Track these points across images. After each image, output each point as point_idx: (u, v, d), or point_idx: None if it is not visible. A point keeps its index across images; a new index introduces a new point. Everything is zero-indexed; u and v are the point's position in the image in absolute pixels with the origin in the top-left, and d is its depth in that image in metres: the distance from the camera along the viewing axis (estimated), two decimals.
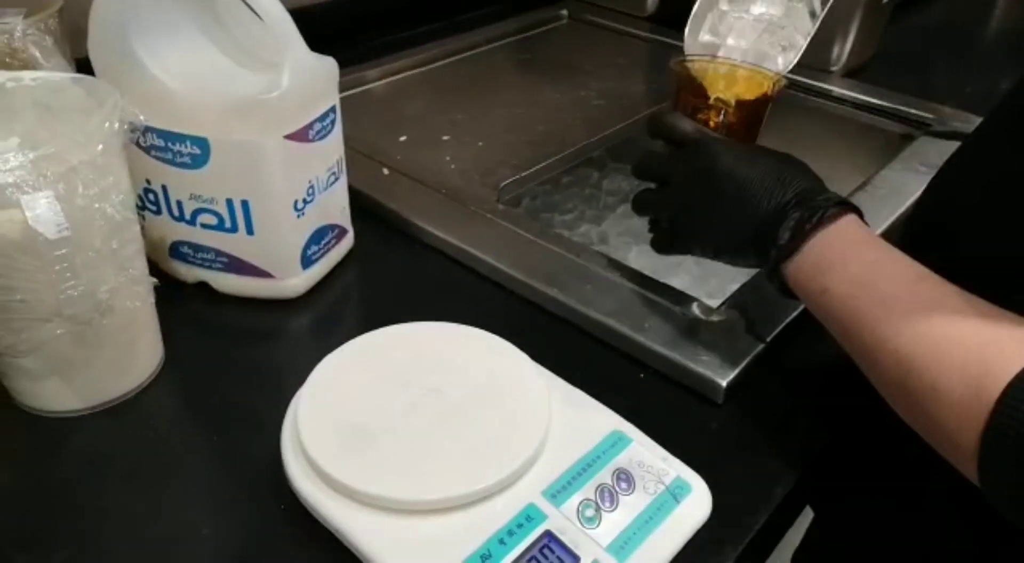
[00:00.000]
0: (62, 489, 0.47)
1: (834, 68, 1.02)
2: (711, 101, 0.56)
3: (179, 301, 0.60)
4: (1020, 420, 0.32)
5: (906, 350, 0.39)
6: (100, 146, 0.43)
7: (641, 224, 1.09)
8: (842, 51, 1.02)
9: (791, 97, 1.02)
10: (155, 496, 0.47)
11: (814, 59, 1.04)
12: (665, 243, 0.56)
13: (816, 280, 0.46)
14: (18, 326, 0.45)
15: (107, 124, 0.43)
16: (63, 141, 0.41)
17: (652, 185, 0.57)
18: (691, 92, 0.58)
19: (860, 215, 0.48)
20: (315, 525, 0.44)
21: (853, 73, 1.04)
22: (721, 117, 0.56)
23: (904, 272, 0.43)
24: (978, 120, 0.51)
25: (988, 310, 0.38)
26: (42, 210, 0.39)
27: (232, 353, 0.58)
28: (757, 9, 0.65)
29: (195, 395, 0.54)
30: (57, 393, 0.49)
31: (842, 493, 0.58)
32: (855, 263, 0.44)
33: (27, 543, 0.43)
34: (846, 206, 0.47)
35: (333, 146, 0.59)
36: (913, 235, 0.52)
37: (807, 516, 0.62)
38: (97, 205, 0.42)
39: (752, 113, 0.56)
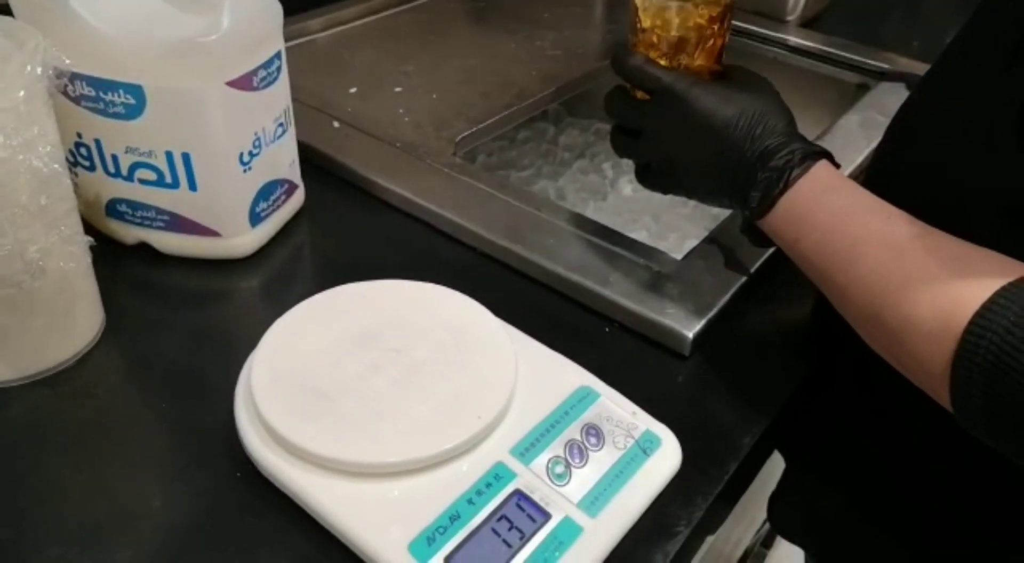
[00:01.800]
0: None
1: (789, 18, 1.01)
2: (654, 38, 0.53)
3: (119, 263, 0.57)
4: (986, 347, 0.34)
5: (878, 287, 0.40)
6: (21, 92, 0.39)
7: (598, 180, 1.07)
8: (797, 1, 1.01)
9: (745, 46, 1.01)
10: (100, 469, 0.44)
11: (770, 8, 1.03)
12: (647, 181, 0.56)
13: (789, 231, 0.47)
14: None
15: (28, 68, 0.39)
16: None
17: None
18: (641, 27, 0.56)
19: (830, 158, 0.48)
20: (274, 492, 0.42)
21: (808, 23, 1.03)
22: (677, 56, 0.53)
23: (873, 214, 0.43)
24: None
25: (954, 245, 0.39)
26: None
27: (178, 317, 0.55)
28: None
29: (140, 361, 0.51)
30: None
31: (812, 436, 0.58)
32: (824, 212, 0.45)
33: None
34: (815, 155, 0.47)
35: (280, 95, 0.56)
36: (876, 178, 0.52)
37: (778, 463, 0.62)
38: (21, 157, 0.39)
39: (702, 43, 0.54)
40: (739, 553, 1.01)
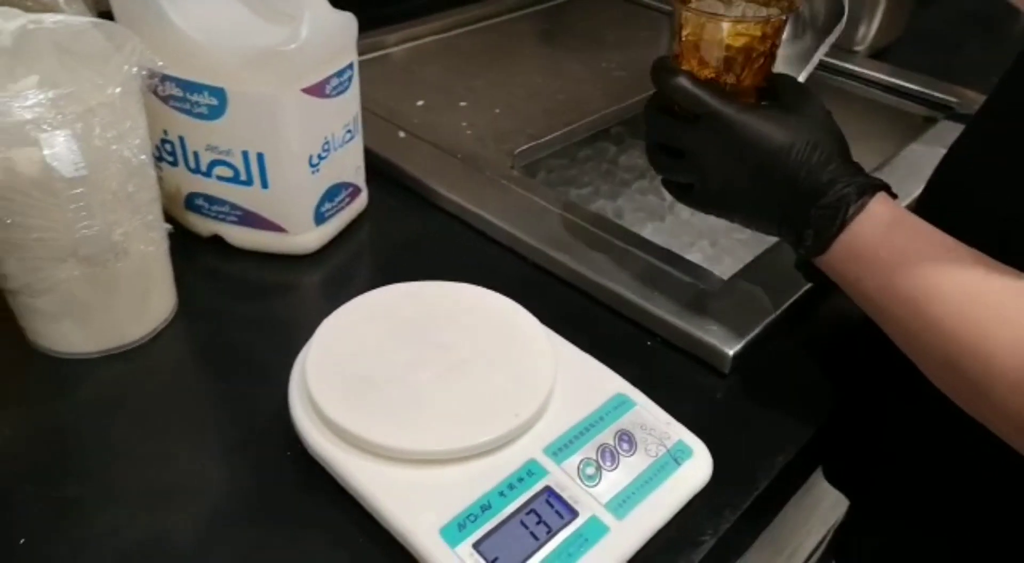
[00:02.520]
0: (73, 428, 0.47)
1: (858, 48, 1.01)
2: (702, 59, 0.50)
3: (193, 253, 0.61)
4: None
5: (955, 333, 0.39)
6: (118, 89, 0.43)
7: (657, 202, 1.08)
8: (868, 31, 1.00)
9: (813, 77, 1.00)
10: (163, 440, 0.47)
11: (839, 38, 1.03)
12: (689, 201, 0.54)
13: (849, 270, 0.45)
14: (34, 265, 0.45)
15: (125, 67, 0.43)
16: (82, 82, 0.42)
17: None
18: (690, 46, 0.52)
19: (888, 190, 0.47)
20: (320, 472, 0.44)
21: (878, 54, 1.03)
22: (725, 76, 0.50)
23: (940, 251, 0.42)
24: None
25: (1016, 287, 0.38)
26: (60, 148, 0.40)
27: (243, 306, 0.58)
28: None
29: (206, 345, 0.55)
30: (71, 335, 0.50)
31: (870, 472, 0.57)
32: (886, 250, 0.43)
33: (38, 477, 0.44)
34: (872, 188, 0.45)
35: (350, 103, 0.59)
36: (931, 199, 0.52)
37: (815, 496, 0.62)
38: (114, 147, 0.43)
39: (750, 62, 0.50)
40: None
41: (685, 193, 0.53)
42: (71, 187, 0.41)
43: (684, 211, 1.04)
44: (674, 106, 0.51)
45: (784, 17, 0.49)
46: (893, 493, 0.56)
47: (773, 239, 0.87)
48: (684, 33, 0.50)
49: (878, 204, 0.45)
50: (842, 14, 0.73)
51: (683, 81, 0.49)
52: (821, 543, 1.09)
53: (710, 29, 0.49)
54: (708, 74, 0.50)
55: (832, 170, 0.46)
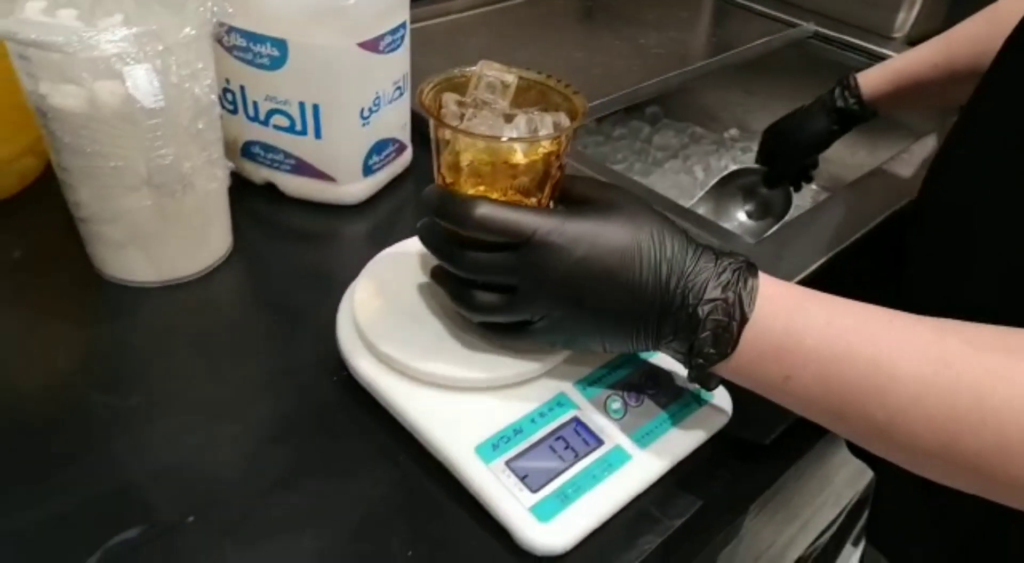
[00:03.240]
0: (136, 348, 0.51)
1: (897, 35, 1.02)
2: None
3: (247, 200, 0.64)
4: None
5: (940, 414, 0.33)
6: (193, 31, 0.46)
7: (689, 180, 1.10)
8: (907, 18, 1.01)
9: (847, 59, 1.02)
10: (217, 363, 0.51)
11: (876, 24, 1.04)
12: (533, 336, 0.44)
13: (771, 369, 0.38)
14: (107, 193, 0.49)
15: (200, 10, 0.47)
16: (161, 22, 0.45)
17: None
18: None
19: (752, 265, 0.40)
20: (363, 395, 0.48)
21: (916, 42, 1.04)
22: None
23: (872, 321, 0.37)
24: None
25: (999, 335, 0.34)
26: (141, 81, 0.43)
27: (293, 250, 0.62)
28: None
29: (258, 282, 0.58)
30: (135, 264, 0.54)
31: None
32: (811, 336, 0.37)
33: (106, 388, 0.48)
34: (748, 267, 0.39)
35: (401, 60, 0.62)
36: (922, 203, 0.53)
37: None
38: (187, 85, 0.46)
39: (549, 180, 0.43)
40: (792, 556, 1.02)
41: (520, 330, 0.44)
42: (149, 117, 0.44)
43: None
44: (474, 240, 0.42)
45: (573, 125, 0.42)
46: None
47: (802, 217, 0.88)
48: (463, 162, 0.42)
49: (767, 285, 0.39)
50: (790, 204, 0.83)
51: (485, 209, 0.40)
52: (835, 521, 1.11)
53: (499, 153, 0.41)
54: (501, 200, 0.42)
55: (695, 259, 0.39)
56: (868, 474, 0.94)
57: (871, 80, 0.72)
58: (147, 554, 0.39)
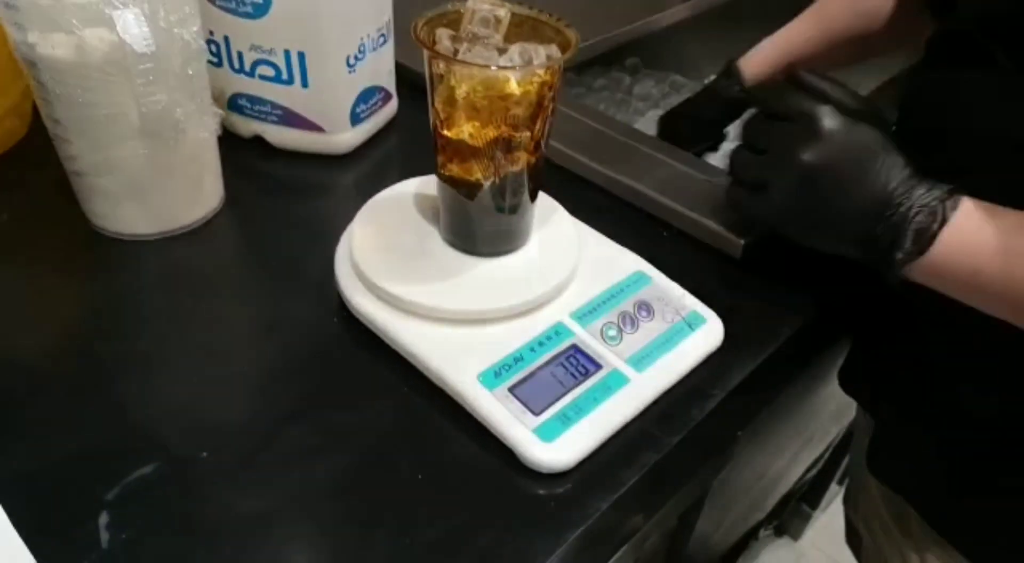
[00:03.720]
0: (138, 297, 0.52)
1: None
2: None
3: (236, 153, 0.64)
4: None
5: None
6: None
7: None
8: None
9: None
10: (221, 309, 0.52)
11: None
12: (756, 204, 0.52)
13: (963, 265, 0.44)
14: (101, 144, 0.49)
15: None
16: None
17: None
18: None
19: (961, 191, 0.46)
20: (365, 333, 0.49)
21: None
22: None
23: None
24: None
25: None
26: (131, 25, 0.43)
27: (285, 200, 0.62)
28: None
29: (253, 231, 0.59)
30: (131, 216, 0.54)
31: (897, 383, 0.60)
32: (1000, 234, 0.43)
33: (112, 335, 0.49)
34: (956, 190, 0.45)
35: (383, 5, 0.62)
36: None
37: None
38: (176, 30, 0.46)
39: (543, 112, 0.45)
40: (782, 490, 1.05)
41: (756, 194, 0.52)
42: (141, 62, 0.44)
43: None
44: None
45: (566, 56, 0.43)
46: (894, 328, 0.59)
47: None
48: (458, 94, 0.43)
49: (968, 201, 0.45)
50: None
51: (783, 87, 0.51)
52: (821, 457, 1.14)
53: (494, 84, 0.42)
54: (494, 135, 0.44)
55: (918, 178, 0.46)
56: (851, 412, 0.97)
57: (752, 66, 0.71)
58: (164, 488, 0.41)
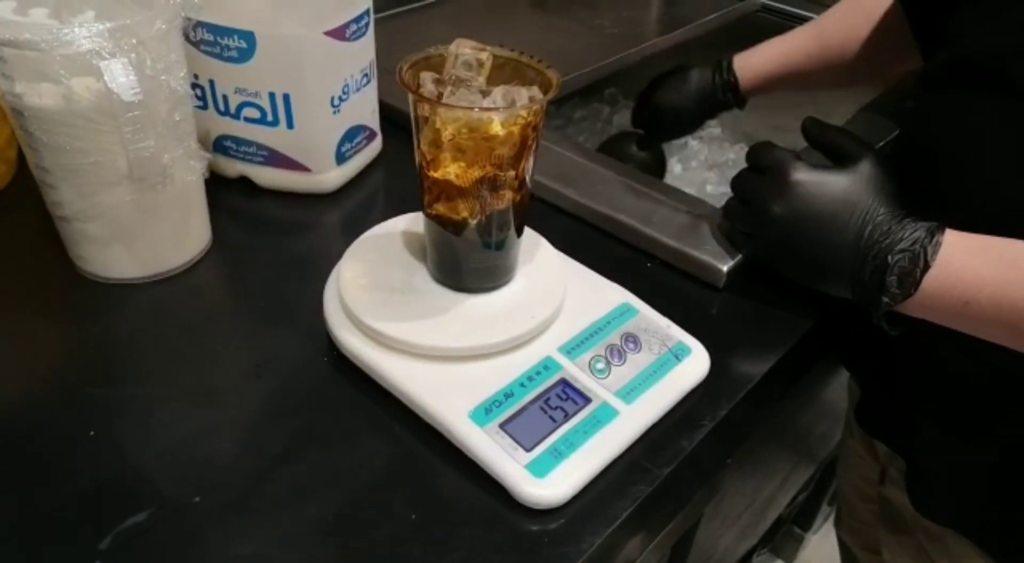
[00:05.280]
0: (128, 341, 0.52)
1: None
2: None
3: (222, 194, 0.65)
4: None
5: None
6: (164, 24, 0.47)
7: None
8: None
9: None
10: (209, 350, 0.52)
11: None
12: (747, 247, 0.58)
13: (953, 296, 0.45)
14: (88, 190, 0.50)
15: (170, 4, 0.47)
16: (133, 17, 0.46)
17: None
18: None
19: (942, 227, 0.47)
20: (355, 372, 0.49)
21: None
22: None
23: None
24: None
25: None
26: (119, 74, 0.44)
27: (272, 240, 0.63)
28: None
29: (241, 272, 0.59)
30: (119, 260, 0.54)
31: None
32: (987, 266, 0.44)
33: (101, 381, 0.49)
34: (939, 227, 0.47)
35: (366, 48, 0.64)
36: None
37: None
38: (163, 77, 0.47)
39: (527, 151, 0.45)
40: (772, 515, 1.05)
41: (748, 239, 0.57)
42: (128, 110, 0.45)
43: (676, 167, 1.09)
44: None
45: (548, 97, 0.44)
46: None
47: None
48: (444, 136, 0.44)
49: (951, 235, 0.46)
50: (664, 165, 0.87)
51: (758, 146, 0.55)
52: (811, 479, 1.14)
53: (479, 125, 0.43)
54: (479, 175, 0.45)
55: (897, 221, 0.48)
56: (837, 434, 0.97)
57: (747, 72, 0.73)
58: (158, 535, 0.40)
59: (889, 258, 0.47)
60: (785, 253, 0.54)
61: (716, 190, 1.03)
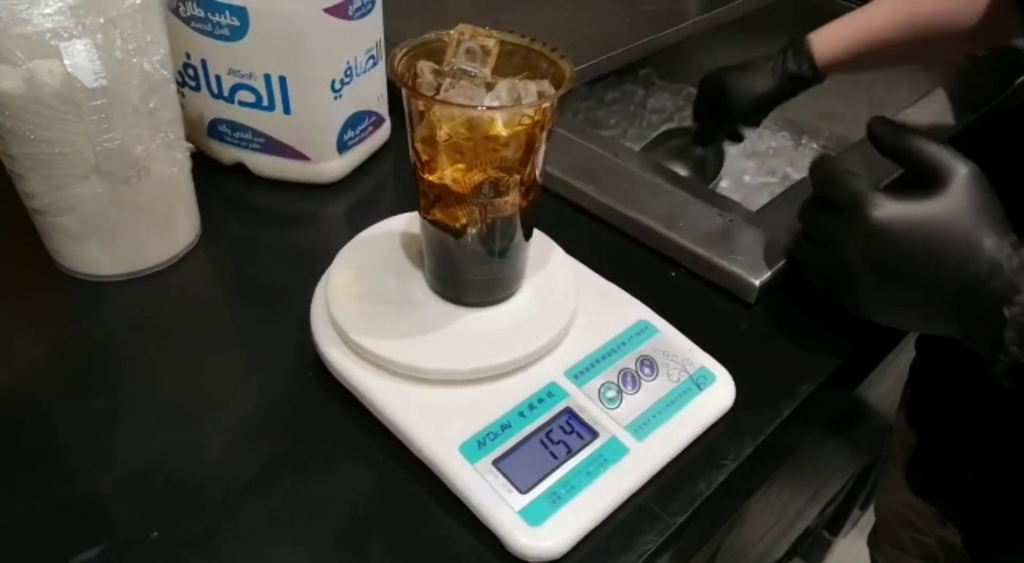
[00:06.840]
0: (101, 346, 0.48)
1: None
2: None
3: (216, 182, 0.60)
4: None
5: None
6: (138, 0, 0.42)
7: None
8: None
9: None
10: (188, 358, 0.48)
11: None
12: (825, 293, 0.50)
13: None
14: (58, 182, 0.46)
15: None
16: None
17: None
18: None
19: None
20: (340, 391, 0.45)
21: None
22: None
23: None
24: None
25: None
26: (80, 58, 0.39)
27: (267, 233, 0.58)
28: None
29: (229, 270, 0.55)
30: (96, 256, 0.50)
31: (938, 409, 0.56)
32: None
33: (68, 390, 0.45)
34: None
35: (373, 27, 0.58)
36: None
37: None
38: (135, 60, 0.42)
39: (534, 154, 0.40)
40: (799, 528, 1.00)
41: (821, 283, 0.50)
42: (92, 98, 0.40)
43: None
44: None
45: (559, 93, 0.38)
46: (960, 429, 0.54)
47: (806, 180, 0.85)
48: (440, 136, 0.38)
49: None
50: (723, 163, 0.80)
51: (833, 167, 0.47)
52: (842, 490, 1.09)
53: (478, 125, 0.38)
54: (480, 179, 0.40)
55: (1007, 256, 0.40)
56: (874, 443, 0.91)
57: (825, 42, 0.65)
58: None
59: (1006, 311, 0.38)
60: (871, 304, 0.46)
61: (755, 180, 0.97)
